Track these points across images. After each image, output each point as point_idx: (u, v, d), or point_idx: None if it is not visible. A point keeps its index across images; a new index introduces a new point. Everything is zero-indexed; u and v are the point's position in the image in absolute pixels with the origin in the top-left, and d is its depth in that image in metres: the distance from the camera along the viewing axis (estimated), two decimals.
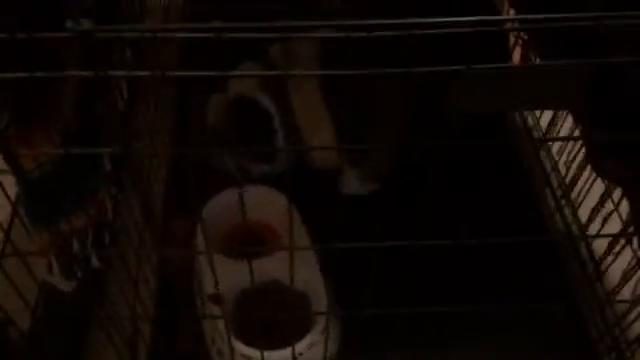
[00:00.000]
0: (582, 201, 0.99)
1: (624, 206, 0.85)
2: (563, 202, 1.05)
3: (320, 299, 0.89)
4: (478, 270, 0.90)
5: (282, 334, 0.87)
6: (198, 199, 1.01)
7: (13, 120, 0.49)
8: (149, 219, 0.85)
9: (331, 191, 1.08)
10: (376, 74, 0.51)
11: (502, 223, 0.87)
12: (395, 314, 0.66)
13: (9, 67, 0.37)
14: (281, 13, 0.98)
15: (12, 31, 0.34)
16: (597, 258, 0.91)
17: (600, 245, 0.91)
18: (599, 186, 0.92)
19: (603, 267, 0.88)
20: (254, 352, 0.81)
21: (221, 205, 1.00)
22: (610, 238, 0.86)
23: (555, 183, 1.09)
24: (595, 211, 0.92)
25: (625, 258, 0.84)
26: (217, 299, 0.85)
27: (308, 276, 0.91)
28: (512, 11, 1.09)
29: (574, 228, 1.01)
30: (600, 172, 0.87)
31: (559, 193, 1.07)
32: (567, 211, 1.03)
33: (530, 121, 1.21)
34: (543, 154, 1.15)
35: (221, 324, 0.85)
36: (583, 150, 0.97)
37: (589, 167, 0.96)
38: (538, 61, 1.21)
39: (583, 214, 0.99)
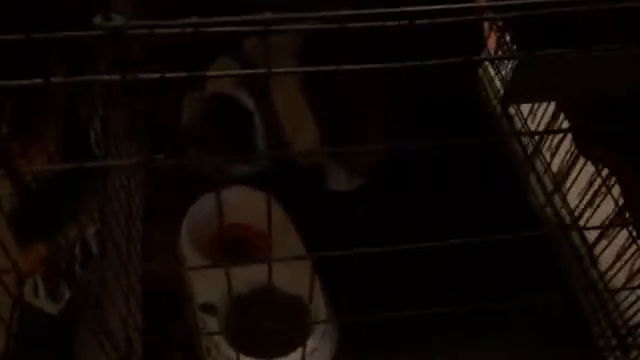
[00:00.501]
0: (570, 187, 1.00)
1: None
2: (551, 190, 1.06)
3: (316, 302, 0.87)
4: (470, 266, 0.89)
5: (278, 340, 0.85)
6: (179, 203, 0.98)
7: (12, 131, 0.45)
8: (132, 227, 0.81)
9: (316, 188, 1.06)
10: (375, 69, 0.49)
11: (491, 215, 0.87)
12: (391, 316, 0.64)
13: (10, 74, 0.34)
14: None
15: (27, 31, 0.30)
16: (590, 243, 0.92)
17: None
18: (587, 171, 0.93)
19: (596, 252, 0.89)
20: None
21: (204, 209, 0.97)
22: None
23: (541, 170, 1.10)
24: (585, 197, 0.93)
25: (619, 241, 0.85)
26: (210, 309, 0.82)
27: (302, 278, 0.89)
28: None
29: (564, 215, 1.01)
30: (589, 157, 0.87)
31: (548, 183, 1.07)
32: (556, 198, 1.04)
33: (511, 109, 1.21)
34: (526, 141, 1.16)
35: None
36: (568, 136, 0.98)
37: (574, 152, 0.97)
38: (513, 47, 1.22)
39: (572, 200, 1.00)
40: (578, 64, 0.50)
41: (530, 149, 1.13)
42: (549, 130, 1.01)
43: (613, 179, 0.85)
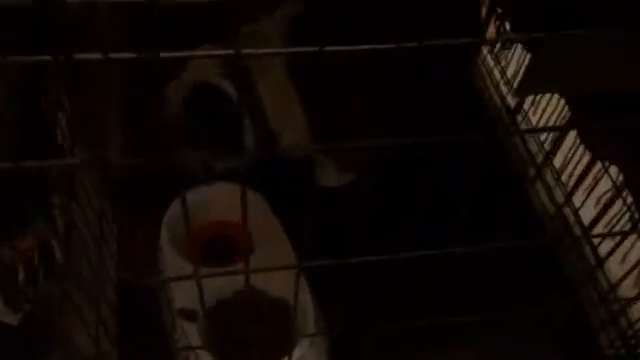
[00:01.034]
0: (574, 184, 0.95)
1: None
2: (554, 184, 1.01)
3: (304, 306, 0.82)
4: (471, 271, 0.84)
5: (262, 348, 0.80)
6: (159, 200, 0.92)
7: None
8: (104, 228, 0.76)
9: (305, 183, 1.01)
10: (364, 50, 0.44)
11: (494, 216, 0.82)
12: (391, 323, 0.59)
13: None
14: None
15: None
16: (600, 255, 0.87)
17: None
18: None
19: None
20: None
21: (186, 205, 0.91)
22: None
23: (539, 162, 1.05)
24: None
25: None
26: (190, 315, 0.77)
27: (289, 281, 0.84)
28: None
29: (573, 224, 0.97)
30: (598, 155, 0.83)
31: (550, 179, 1.03)
32: (559, 193, 1.00)
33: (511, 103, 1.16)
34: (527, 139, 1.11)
35: (196, 341, 0.77)
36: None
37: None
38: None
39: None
40: (597, 54, 0.45)
41: (533, 149, 1.08)
42: (554, 127, 0.97)
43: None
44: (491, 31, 1.19)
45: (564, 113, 0.98)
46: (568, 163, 0.99)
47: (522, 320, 0.74)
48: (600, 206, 0.89)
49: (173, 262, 0.85)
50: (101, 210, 0.70)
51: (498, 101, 1.17)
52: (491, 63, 1.21)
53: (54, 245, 0.59)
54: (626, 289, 0.81)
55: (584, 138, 0.85)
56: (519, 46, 1.12)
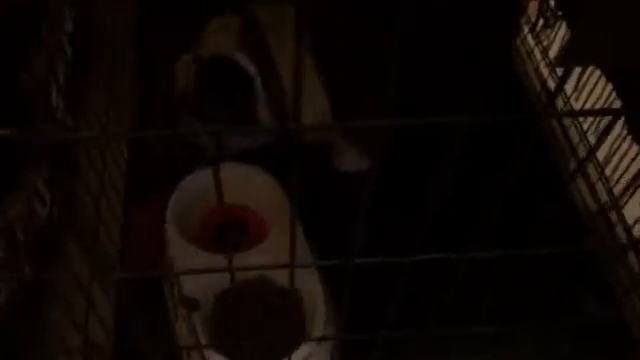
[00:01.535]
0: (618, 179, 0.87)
1: None
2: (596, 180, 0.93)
3: (315, 298, 0.77)
4: (500, 269, 0.77)
5: (271, 340, 0.75)
6: (166, 180, 0.87)
7: None
8: (102, 206, 0.71)
9: (323, 168, 0.95)
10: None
11: (525, 206, 0.75)
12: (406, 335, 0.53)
13: None
14: None
15: None
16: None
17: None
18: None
19: None
20: None
21: (194, 187, 0.87)
22: None
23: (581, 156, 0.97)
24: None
25: None
26: (192, 304, 0.72)
27: (301, 271, 0.78)
28: None
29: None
30: None
31: (593, 172, 0.95)
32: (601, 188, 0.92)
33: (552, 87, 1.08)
34: (568, 124, 1.03)
35: (196, 332, 0.72)
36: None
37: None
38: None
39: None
40: None
41: (574, 139, 1.00)
42: (595, 110, 0.89)
43: None
44: (533, 7, 1.11)
45: (610, 102, 0.90)
46: (613, 155, 0.91)
47: (559, 330, 0.67)
48: None
49: (179, 246, 0.80)
50: (101, 185, 0.65)
51: (538, 85, 1.08)
52: (532, 43, 1.12)
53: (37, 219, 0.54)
54: None
55: (633, 128, 0.77)
56: (563, 25, 1.03)
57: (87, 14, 0.85)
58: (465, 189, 0.81)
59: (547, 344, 0.67)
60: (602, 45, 0.43)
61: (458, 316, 0.48)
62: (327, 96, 0.88)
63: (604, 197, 0.92)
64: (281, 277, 0.78)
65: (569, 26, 1.01)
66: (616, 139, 0.88)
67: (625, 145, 0.87)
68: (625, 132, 0.86)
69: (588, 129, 0.99)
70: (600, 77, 0.93)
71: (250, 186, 0.89)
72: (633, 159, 0.87)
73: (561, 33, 1.03)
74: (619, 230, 0.87)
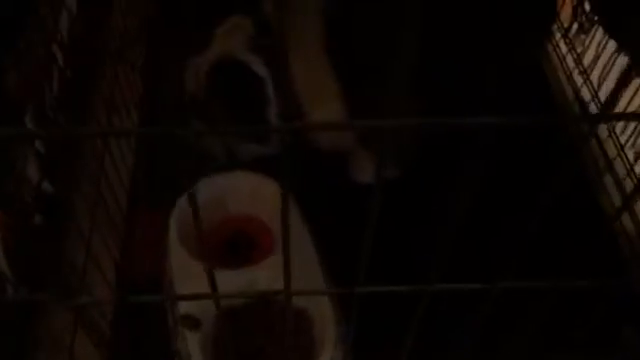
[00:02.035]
0: None
1: None
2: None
3: (325, 317, 0.71)
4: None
5: None
6: (171, 188, 0.82)
7: None
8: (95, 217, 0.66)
9: (339, 178, 0.88)
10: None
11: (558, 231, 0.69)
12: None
13: None
14: None
15: None
16: None
17: None
18: None
19: None
20: None
21: (201, 196, 0.82)
22: None
23: (622, 171, 0.90)
24: None
25: None
26: (193, 323, 0.67)
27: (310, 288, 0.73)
28: None
29: None
30: None
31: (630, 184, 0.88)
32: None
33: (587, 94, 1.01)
34: (601, 133, 0.96)
35: (196, 354, 0.67)
36: None
37: None
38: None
39: None
40: None
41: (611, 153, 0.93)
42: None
43: None
44: (566, 11, 1.05)
45: None
46: None
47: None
48: None
49: (181, 262, 0.75)
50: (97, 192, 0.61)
51: (570, 94, 1.02)
52: (564, 49, 1.06)
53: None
54: None
55: None
56: (599, 30, 0.97)
57: (95, 14, 0.82)
58: (491, 209, 0.75)
59: None
60: None
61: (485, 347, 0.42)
62: (342, 100, 0.83)
63: None
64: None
65: (607, 32, 0.94)
66: None
67: None
68: None
69: (626, 142, 0.92)
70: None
71: (260, 196, 0.84)
72: None
73: (597, 38, 0.97)
74: None
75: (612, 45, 0.92)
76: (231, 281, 0.70)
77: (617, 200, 0.89)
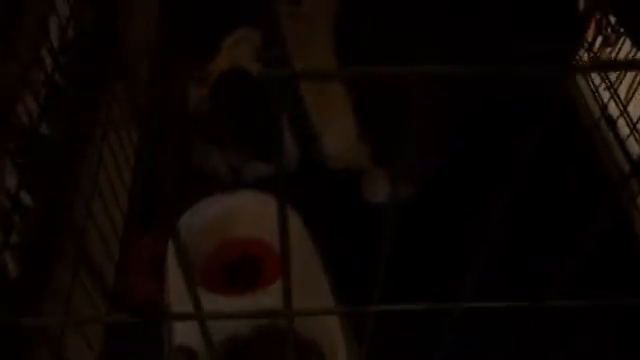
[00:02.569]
0: None
1: None
2: None
3: (335, 349, 0.66)
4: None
5: None
6: (172, 210, 0.78)
7: None
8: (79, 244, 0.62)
9: (351, 199, 0.85)
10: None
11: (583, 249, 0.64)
12: None
13: None
14: None
15: None
16: None
17: None
18: None
19: None
20: None
21: (203, 217, 0.78)
22: None
23: None
24: None
25: None
26: (189, 355, 0.62)
27: (319, 319, 0.68)
28: None
29: None
30: None
31: None
32: None
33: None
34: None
35: None
36: None
37: None
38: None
39: None
40: None
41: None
42: None
43: None
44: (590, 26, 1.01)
45: None
46: None
47: None
48: None
49: (179, 285, 0.70)
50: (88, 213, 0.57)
51: (597, 111, 0.97)
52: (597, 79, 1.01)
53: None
54: None
55: None
56: (627, 42, 0.92)
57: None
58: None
59: None
60: None
61: None
62: (355, 118, 0.79)
63: None
64: (297, 324, 0.67)
65: (635, 44, 0.90)
66: None
67: None
68: None
69: None
70: None
71: (267, 217, 0.79)
72: None
73: (625, 50, 0.92)
74: None
75: None
76: (234, 308, 0.66)
77: None
